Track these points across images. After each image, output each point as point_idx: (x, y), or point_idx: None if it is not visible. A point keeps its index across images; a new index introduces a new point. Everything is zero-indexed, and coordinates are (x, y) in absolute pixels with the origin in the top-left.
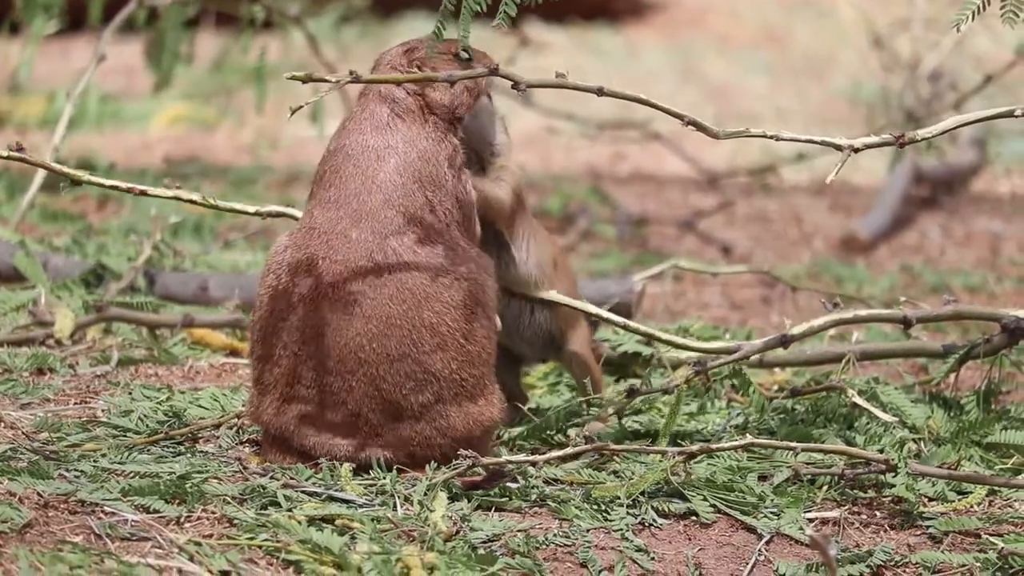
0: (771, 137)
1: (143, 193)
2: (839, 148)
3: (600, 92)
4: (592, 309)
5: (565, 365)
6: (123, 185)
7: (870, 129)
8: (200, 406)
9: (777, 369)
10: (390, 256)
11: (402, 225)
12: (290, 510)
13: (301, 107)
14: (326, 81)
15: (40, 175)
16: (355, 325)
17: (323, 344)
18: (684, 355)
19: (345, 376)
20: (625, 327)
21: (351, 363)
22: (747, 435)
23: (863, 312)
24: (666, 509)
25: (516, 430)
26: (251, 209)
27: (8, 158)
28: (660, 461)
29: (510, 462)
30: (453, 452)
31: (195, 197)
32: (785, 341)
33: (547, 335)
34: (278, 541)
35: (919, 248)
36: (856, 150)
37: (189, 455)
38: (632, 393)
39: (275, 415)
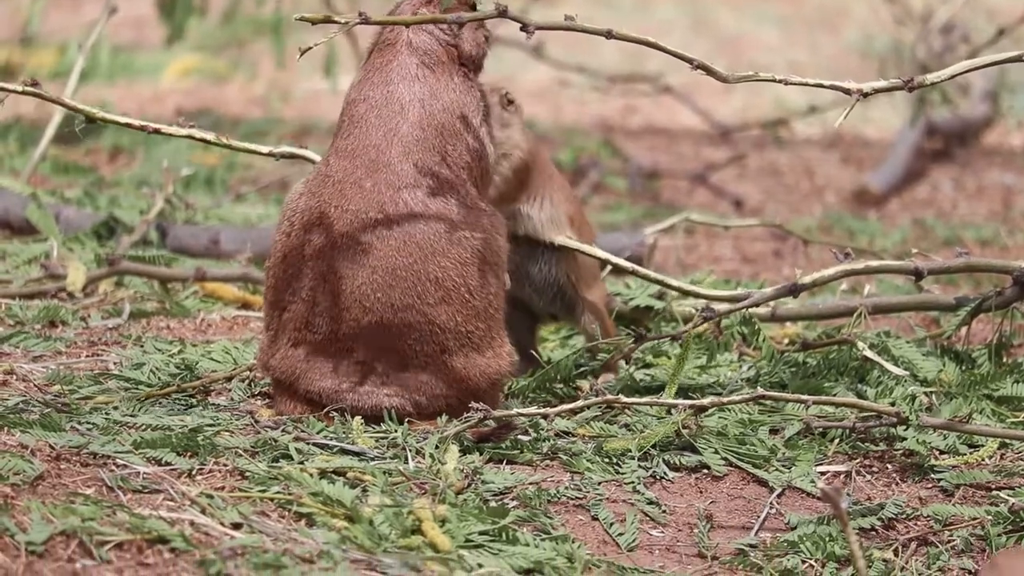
0: (779, 81)
1: (157, 131)
2: (848, 92)
3: (609, 35)
4: (601, 254)
5: (576, 321)
6: (136, 123)
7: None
8: (212, 359)
9: (788, 323)
10: (401, 209)
11: (417, 178)
12: (302, 463)
13: (311, 48)
14: (336, 22)
15: (52, 127)
16: (362, 274)
17: (331, 291)
18: (695, 308)
19: (351, 324)
20: (634, 272)
21: (357, 311)
22: (758, 388)
23: (874, 263)
24: (677, 462)
25: (525, 381)
26: (264, 150)
27: (24, 93)
28: (671, 414)
29: (521, 415)
30: (460, 403)
31: (209, 136)
32: (795, 290)
33: (556, 285)
34: (290, 494)
35: (931, 201)
36: (865, 94)
37: (201, 408)
38: (640, 338)
39: (283, 360)
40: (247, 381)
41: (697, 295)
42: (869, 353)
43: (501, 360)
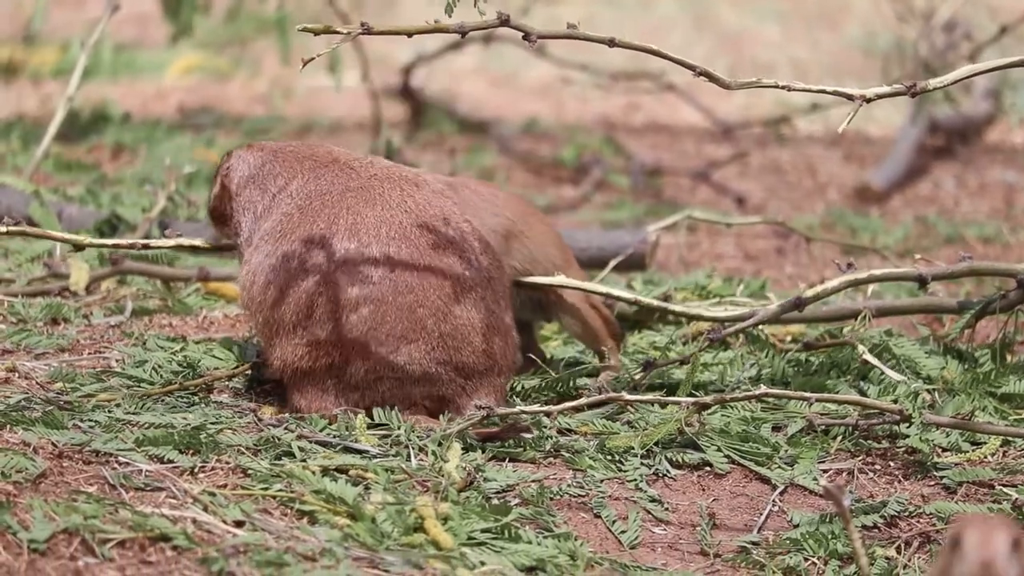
0: (783, 87)
1: (146, 247)
2: (851, 98)
3: (612, 43)
4: (589, 287)
5: (561, 325)
6: (124, 242)
7: (884, 80)
8: (214, 356)
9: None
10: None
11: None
12: (304, 460)
13: (313, 59)
14: (339, 32)
15: (54, 125)
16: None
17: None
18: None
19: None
20: (636, 303)
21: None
22: (761, 385)
23: (878, 272)
24: (680, 460)
25: (530, 382)
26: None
27: (8, 233)
28: (674, 412)
29: (524, 412)
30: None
31: (198, 242)
32: (800, 304)
33: (533, 301)
34: (292, 491)
35: (933, 198)
36: (868, 100)
37: (203, 405)
38: (648, 366)
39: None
40: (249, 379)
41: (702, 318)
42: (869, 357)
43: None
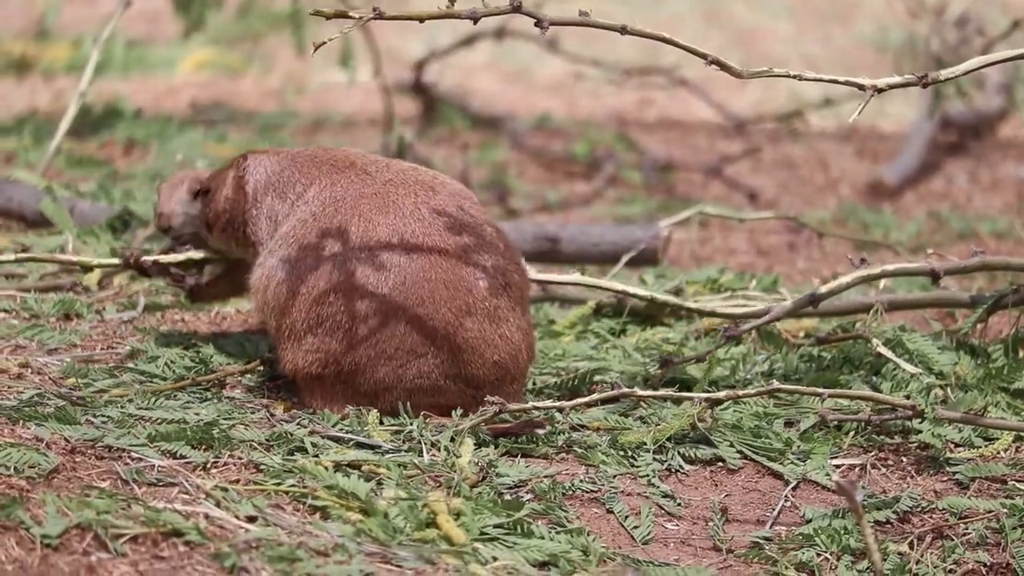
0: (794, 76)
1: (156, 264)
2: (862, 88)
3: (623, 30)
4: (604, 284)
5: None
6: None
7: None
8: (226, 352)
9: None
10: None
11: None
12: (316, 456)
13: (324, 43)
14: (350, 17)
15: (66, 121)
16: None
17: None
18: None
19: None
20: (652, 299)
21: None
22: (773, 381)
23: (891, 267)
24: (692, 455)
25: (542, 378)
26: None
27: (16, 260)
28: (687, 407)
29: (536, 408)
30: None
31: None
32: (814, 300)
33: None
34: (305, 487)
35: (946, 194)
36: (879, 90)
37: (216, 401)
38: (666, 363)
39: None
40: (262, 375)
41: (716, 315)
42: (883, 350)
43: None
